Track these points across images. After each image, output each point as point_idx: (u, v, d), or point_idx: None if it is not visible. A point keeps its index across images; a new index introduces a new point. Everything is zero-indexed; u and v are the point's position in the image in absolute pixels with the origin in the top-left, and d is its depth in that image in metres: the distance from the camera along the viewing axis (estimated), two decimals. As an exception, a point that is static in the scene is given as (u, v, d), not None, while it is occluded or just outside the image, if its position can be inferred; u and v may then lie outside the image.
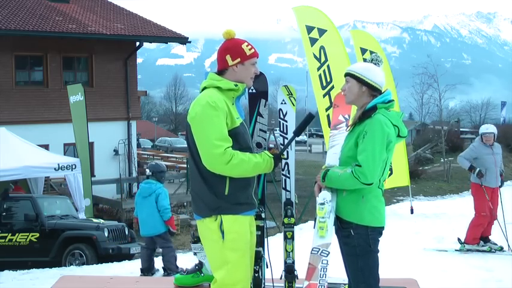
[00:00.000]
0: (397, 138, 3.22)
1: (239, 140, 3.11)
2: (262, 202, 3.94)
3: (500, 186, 8.18)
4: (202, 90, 3.20)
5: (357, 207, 3.14)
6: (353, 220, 3.14)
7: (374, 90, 3.23)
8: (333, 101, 4.03)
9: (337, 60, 10.04)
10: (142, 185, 8.05)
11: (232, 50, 3.17)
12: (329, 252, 3.14)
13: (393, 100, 3.28)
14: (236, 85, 3.16)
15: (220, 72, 3.21)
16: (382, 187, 3.21)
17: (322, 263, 3.12)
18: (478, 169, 7.93)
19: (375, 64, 3.29)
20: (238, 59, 3.16)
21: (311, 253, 3.16)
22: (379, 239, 3.21)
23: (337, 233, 3.22)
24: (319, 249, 3.14)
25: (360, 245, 3.12)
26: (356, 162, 3.07)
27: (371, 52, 9.22)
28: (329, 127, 4.34)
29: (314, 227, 3.22)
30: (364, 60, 3.51)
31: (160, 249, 8.12)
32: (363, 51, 11.68)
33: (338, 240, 3.23)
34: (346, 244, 3.16)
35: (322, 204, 3.12)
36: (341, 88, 3.39)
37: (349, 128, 3.36)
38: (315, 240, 3.18)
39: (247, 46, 3.19)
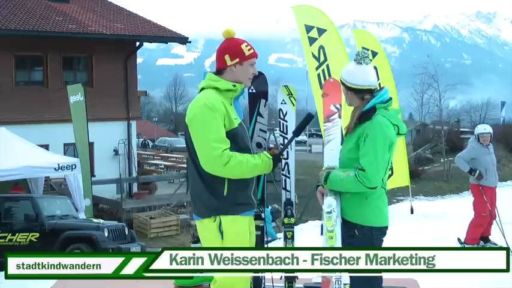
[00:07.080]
0: (396, 136, 3.20)
1: (237, 141, 3.09)
2: (262, 202, 3.94)
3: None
4: (201, 90, 3.19)
5: (361, 208, 3.13)
6: (357, 221, 3.13)
7: (359, 93, 3.19)
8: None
9: (337, 60, 9.98)
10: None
11: (231, 49, 3.16)
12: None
13: (391, 98, 3.23)
14: (234, 85, 3.14)
15: (219, 71, 3.19)
16: (385, 186, 3.20)
17: (336, 275, 3.05)
18: (478, 171, 7.92)
19: (359, 63, 3.20)
20: (237, 59, 3.14)
21: None
22: (383, 239, 3.21)
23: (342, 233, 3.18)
24: None
25: (364, 245, 3.08)
26: (358, 165, 3.05)
27: (372, 52, 9.17)
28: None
29: (322, 234, 3.16)
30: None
31: None
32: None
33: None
34: (351, 244, 3.12)
35: (329, 212, 3.05)
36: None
37: (348, 130, 3.33)
38: None
39: (246, 46, 3.17)
